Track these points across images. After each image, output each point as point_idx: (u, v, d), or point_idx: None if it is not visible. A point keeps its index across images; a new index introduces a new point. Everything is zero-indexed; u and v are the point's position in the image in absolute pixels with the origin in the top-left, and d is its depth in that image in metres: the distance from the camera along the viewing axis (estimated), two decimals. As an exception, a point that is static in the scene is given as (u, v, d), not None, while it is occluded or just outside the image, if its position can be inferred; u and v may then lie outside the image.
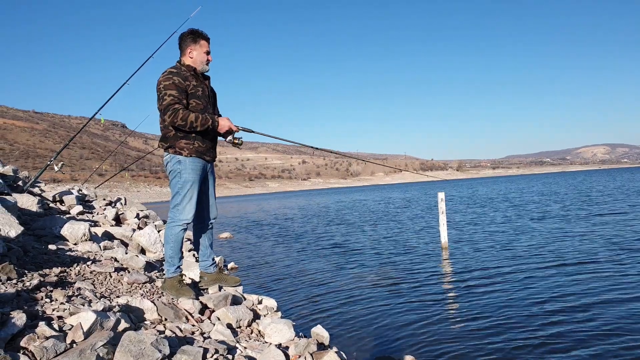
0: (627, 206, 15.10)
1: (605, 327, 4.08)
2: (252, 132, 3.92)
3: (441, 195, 9.39)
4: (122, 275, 3.70)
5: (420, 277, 6.70)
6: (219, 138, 3.78)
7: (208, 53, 3.63)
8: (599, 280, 5.75)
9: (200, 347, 2.56)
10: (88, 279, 3.41)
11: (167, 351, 2.33)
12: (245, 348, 2.87)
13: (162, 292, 3.52)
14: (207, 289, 3.84)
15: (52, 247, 4.13)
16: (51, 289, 2.91)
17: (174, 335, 2.77)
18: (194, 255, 5.91)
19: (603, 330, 4.02)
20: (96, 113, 6.53)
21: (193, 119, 3.36)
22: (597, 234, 9.55)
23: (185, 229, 3.57)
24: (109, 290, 3.29)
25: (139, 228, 6.40)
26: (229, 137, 3.69)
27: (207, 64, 3.64)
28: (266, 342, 3.09)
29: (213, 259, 3.93)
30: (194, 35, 3.58)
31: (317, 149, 5.90)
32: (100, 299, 2.94)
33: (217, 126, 3.54)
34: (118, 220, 6.76)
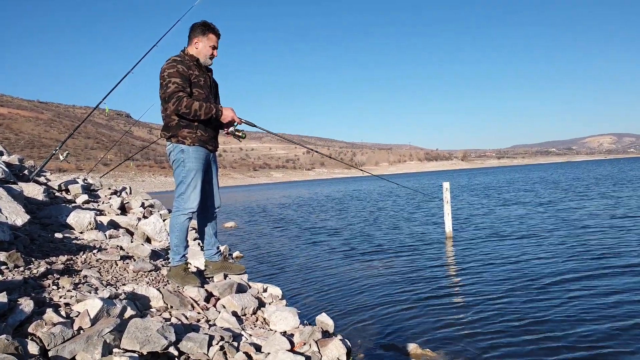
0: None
1: (610, 309, 4.09)
2: (254, 126, 3.90)
3: (446, 185, 9.37)
4: (127, 263, 3.73)
5: (425, 266, 6.71)
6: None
7: (214, 48, 3.61)
8: (604, 263, 5.79)
9: (206, 334, 2.58)
10: (94, 267, 3.43)
11: (173, 338, 2.35)
12: (250, 335, 2.89)
13: (167, 280, 3.54)
14: (212, 277, 3.86)
15: (58, 235, 4.16)
16: (58, 276, 2.94)
17: (179, 322, 2.80)
18: (199, 244, 5.93)
19: (608, 312, 4.03)
20: (101, 102, 6.52)
21: (197, 107, 3.36)
22: (603, 219, 9.52)
23: (190, 218, 3.58)
24: (114, 278, 3.31)
25: (144, 217, 6.43)
26: (231, 128, 3.68)
27: (210, 59, 3.63)
28: (271, 330, 3.11)
29: (218, 248, 3.95)
30: (204, 28, 3.57)
31: (315, 151, 5.89)
32: (106, 287, 2.96)
33: (221, 115, 3.54)
34: (123, 209, 6.78)
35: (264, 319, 3.34)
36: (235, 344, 2.64)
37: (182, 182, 3.51)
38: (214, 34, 3.59)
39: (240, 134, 3.73)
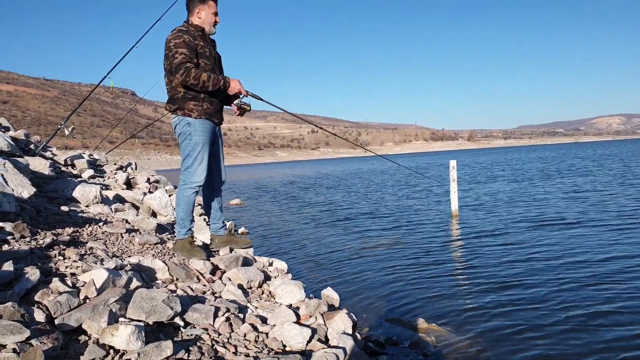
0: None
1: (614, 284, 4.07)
2: (261, 99, 3.85)
3: (452, 163, 9.30)
4: (133, 236, 3.73)
5: (430, 242, 6.70)
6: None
7: (216, 14, 3.55)
8: (603, 238, 5.80)
9: (212, 305, 2.58)
10: (100, 239, 3.43)
11: (178, 308, 2.34)
12: (256, 307, 2.90)
13: (173, 253, 3.54)
14: (218, 250, 3.86)
15: (64, 208, 4.16)
16: (64, 247, 2.94)
17: (185, 294, 2.80)
18: (204, 219, 5.94)
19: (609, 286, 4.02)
20: (106, 76, 6.49)
21: (205, 78, 3.30)
22: (599, 199, 9.46)
23: (197, 192, 3.56)
24: (120, 250, 3.31)
25: (150, 192, 6.43)
26: (237, 101, 3.63)
27: (214, 26, 3.57)
28: (277, 303, 3.11)
29: (223, 222, 3.94)
30: None
31: (321, 128, 5.81)
32: (112, 258, 2.96)
33: (228, 87, 3.48)
34: (129, 185, 6.78)
35: (270, 292, 3.34)
36: (241, 315, 2.64)
37: (189, 155, 3.47)
38: (212, 0, 3.53)
39: (246, 107, 3.68)
